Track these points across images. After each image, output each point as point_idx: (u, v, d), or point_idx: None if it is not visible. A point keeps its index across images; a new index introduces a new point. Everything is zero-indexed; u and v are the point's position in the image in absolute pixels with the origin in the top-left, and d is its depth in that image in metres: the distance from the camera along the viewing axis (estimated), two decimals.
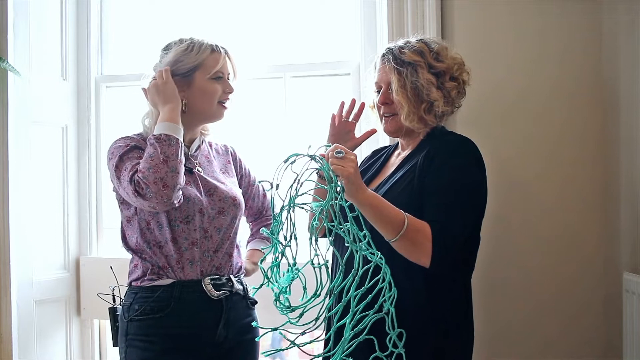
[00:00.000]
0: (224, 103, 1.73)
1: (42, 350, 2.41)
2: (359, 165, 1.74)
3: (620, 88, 1.93)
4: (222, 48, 1.72)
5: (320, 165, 1.35)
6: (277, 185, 1.35)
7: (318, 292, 1.32)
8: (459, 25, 2.10)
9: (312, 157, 1.36)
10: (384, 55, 1.60)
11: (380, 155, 1.74)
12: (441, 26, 2.09)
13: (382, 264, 1.34)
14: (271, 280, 1.35)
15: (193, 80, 1.68)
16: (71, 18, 2.56)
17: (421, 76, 1.52)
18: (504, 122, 2.08)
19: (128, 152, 1.63)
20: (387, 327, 1.33)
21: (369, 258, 1.34)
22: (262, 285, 1.37)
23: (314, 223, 1.33)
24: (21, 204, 2.33)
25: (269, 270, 1.36)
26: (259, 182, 1.38)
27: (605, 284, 2.01)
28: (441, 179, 1.46)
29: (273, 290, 1.35)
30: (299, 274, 1.34)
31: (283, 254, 1.35)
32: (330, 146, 1.41)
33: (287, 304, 1.34)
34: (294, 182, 1.36)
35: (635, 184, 1.82)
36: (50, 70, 2.49)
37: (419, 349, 1.41)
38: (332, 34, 2.44)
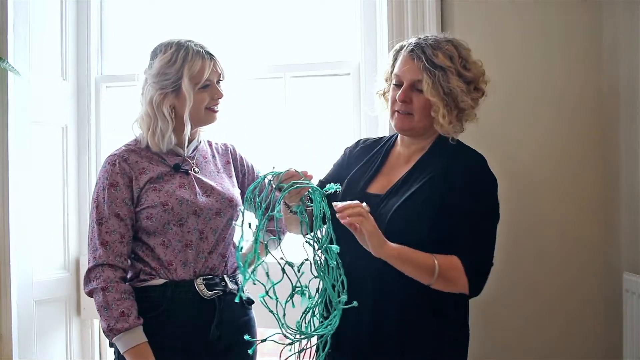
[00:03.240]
0: (213, 108, 1.71)
1: (42, 350, 2.41)
2: (347, 157, 1.72)
3: (620, 89, 1.92)
4: (208, 53, 1.68)
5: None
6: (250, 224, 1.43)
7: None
8: (459, 26, 2.10)
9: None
10: (412, 50, 1.54)
11: (378, 151, 1.68)
12: (441, 26, 2.09)
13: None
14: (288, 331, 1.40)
15: (180, 90, 1.65)
16: (71, 18, 2.56)
17: (453, 82, 1.49)
18: (503, 123, 2.07)
19: (110, 204, 1.62)
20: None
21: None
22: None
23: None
24: (21, 204, 2.33)
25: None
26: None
27: (605, 284, 2.01)
28: (468, 206, 1.45)
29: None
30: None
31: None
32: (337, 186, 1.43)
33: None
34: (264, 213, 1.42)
35: (635, 185, 1.82)
36: (50, 70, 2.49)
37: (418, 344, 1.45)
38: (332, 34, 2.44)
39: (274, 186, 1.41)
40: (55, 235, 2.49)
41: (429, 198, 1.47)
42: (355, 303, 1.36)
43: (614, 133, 1.97)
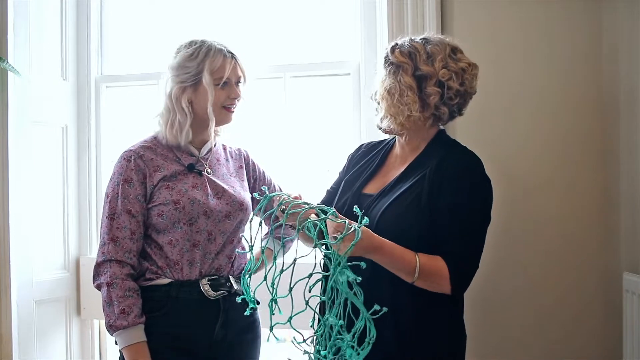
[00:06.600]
0: (229, 108, 1.72)
1: (42, 350, 2.41)
2: (349, 162, 1.73)
3: (620, 89, 1.93)
4: (230, 52, 1.70)
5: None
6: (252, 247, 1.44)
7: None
8: (458, 26, 2.10)
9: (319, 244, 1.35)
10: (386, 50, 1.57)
11: (377, 153, 1.68)
12: (441, 26, 2.09)
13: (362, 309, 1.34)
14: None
15: (199, 85, 1.67)
16: (71, 18, 2.56)
17: (401, 79, 1.48)
18: (503, 124, 2.07)
19: (124, 199, 1.63)
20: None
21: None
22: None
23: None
24: (21, 204, 2.33)
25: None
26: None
27: (605, 284, 2.01)
28: (455, 204, 1.43)
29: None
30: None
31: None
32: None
33: None
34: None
35: (635, 185, 1.82)
36: (50, 70, 2.49)
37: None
38: (332, 34, 2.44)
39: (281, 208, 1.41)
40: (55, 235, 2.50)
41: (417, 197, 1.46)
42: (385, 308, 1.31)
43: (614, 133, 1.97)
